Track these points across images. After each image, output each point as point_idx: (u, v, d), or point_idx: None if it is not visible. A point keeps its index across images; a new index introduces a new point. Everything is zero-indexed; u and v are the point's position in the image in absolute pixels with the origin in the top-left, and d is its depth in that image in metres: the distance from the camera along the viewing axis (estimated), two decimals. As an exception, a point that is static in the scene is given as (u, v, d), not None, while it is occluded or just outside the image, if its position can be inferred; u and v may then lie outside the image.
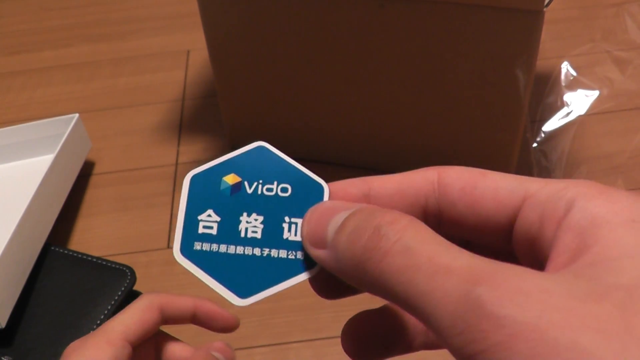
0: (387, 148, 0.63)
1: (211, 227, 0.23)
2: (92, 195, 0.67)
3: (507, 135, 0.58)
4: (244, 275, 0.22)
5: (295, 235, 0.22)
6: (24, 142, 0.67)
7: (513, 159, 0.60)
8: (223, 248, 0.22)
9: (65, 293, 0.53)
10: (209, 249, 0.22)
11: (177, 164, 0.69)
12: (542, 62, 0.73)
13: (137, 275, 0.53)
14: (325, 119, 0.63)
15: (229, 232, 0.22)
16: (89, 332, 0.49)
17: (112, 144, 0.72)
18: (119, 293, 0.52)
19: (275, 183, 0.23)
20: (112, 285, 0.52)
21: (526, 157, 0.62)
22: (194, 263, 0.22)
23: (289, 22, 0.56)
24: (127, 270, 0.53)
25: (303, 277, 0.22)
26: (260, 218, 0.22)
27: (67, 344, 0.32)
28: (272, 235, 0.22)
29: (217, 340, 0.35)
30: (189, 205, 0.23)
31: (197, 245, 0.22)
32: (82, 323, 0.50)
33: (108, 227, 0.63)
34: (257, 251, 0.22)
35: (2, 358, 0.49)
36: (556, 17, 0.80)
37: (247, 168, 0.23)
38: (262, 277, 0.22)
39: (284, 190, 0.23)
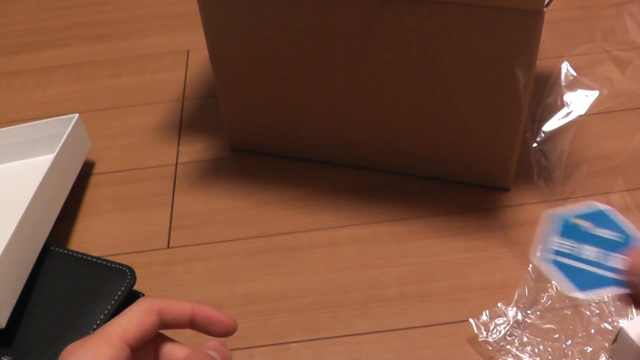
0: (387, 148, 0.63)
1: (565, 248, 0.34)
2: (92, 195, 0.67)
3: (507, 135, 0.58)
4: (584, 279, 0.33)
5: (617, 264, 0.33)
6: (24, 142, 0.67)
7: (513, 159, 0.60)
8: (571, 262, 0.33)
9: (65, 293, 0.53)
10: (562, 261, 0.34)
11: (177, 164, 0.69)
12: (542, 62, 0.73)
13: (137, 275, 0.53)
14: (325, 119, 0.63)
15: (575, 253, 0.34)
16: (89, 332, 0.49)
17: (112, 144, 0.72)
18: (119, 293, 0.52)
19: (610, 231, 0.35)
20: (112, 285, 0.52)
21: (526, 157, 0.62)
22: (549, 266, 0.33)
23: (288, 22, 0.56)
24: (127, 270, 0.53)
25: (618, 291, 0.32)
26: (596, 249, 0.34)
27: (67, 344, 0.32)
28: (602, 262, 0.33)
29: (212, 340, 0.35)
30: (552, 232, 0.34)
31: (555, 257, 0.34)
32: (82, 323, 0.50)
33: (108, 227, 0.63)
34: (592, 269, 0.33)
35: (2, 358, 0.49)
36: (556, 17, 0.80)
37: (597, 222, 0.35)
38: (594, 283, 0.33)
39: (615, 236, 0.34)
